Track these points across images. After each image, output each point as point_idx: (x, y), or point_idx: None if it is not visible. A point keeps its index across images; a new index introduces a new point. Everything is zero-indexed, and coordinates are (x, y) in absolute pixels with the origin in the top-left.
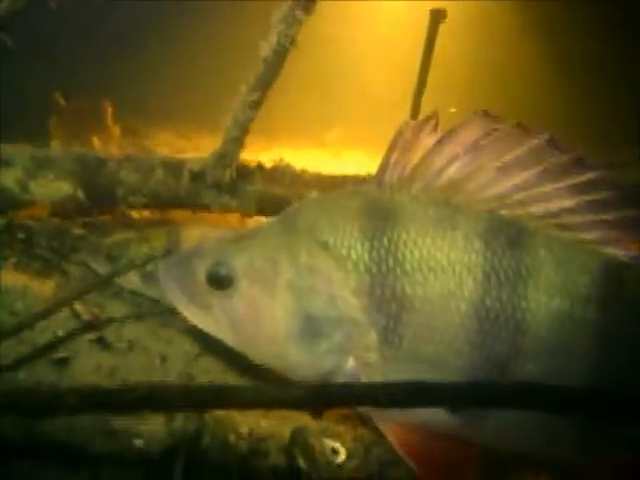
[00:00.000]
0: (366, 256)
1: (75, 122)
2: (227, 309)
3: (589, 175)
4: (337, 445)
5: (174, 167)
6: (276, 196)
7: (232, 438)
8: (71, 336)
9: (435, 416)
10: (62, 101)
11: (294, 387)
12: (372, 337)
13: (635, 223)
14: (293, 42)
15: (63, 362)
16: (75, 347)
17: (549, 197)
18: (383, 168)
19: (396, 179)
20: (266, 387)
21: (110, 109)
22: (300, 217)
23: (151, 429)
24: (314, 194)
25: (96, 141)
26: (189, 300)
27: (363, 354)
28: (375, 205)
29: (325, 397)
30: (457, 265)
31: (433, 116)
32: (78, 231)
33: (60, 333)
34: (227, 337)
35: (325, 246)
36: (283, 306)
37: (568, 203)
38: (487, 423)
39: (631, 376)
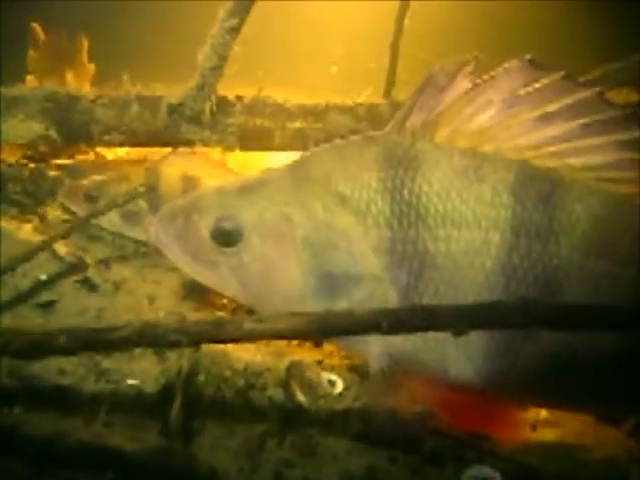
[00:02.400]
0: (387, 210)
1: (52, 56)
2: (236, 266)
3: (637, 132)
4: (334, 377)
5: (151, 102)
6: (258, 128)
7: (228, 374)
8: (55, 279)
9: (456, 370)
10: (40, 34)
11: (295, 316)
12: (393, 295)
13: None
14: None
15: (49, 305)
16: (60, 290)
17: (590, 150)
18: (406, 112)
19: (419, 124)
20: (267, 318)
21: (85, 45)
22: (313, 167)
23: (144, 368)
24: (297, 124)
25: (70, 77)
26: (192, 258)
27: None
28: (395, 153)
29: (327, 325)
30: (483, 220)
31: (472, 59)
32: (54, 173)
33: (43, 277)
34: (237, 295)
35: (342, 199)
36: (299, 263)
37: (611, 157)
38: (507, 375)
39: None
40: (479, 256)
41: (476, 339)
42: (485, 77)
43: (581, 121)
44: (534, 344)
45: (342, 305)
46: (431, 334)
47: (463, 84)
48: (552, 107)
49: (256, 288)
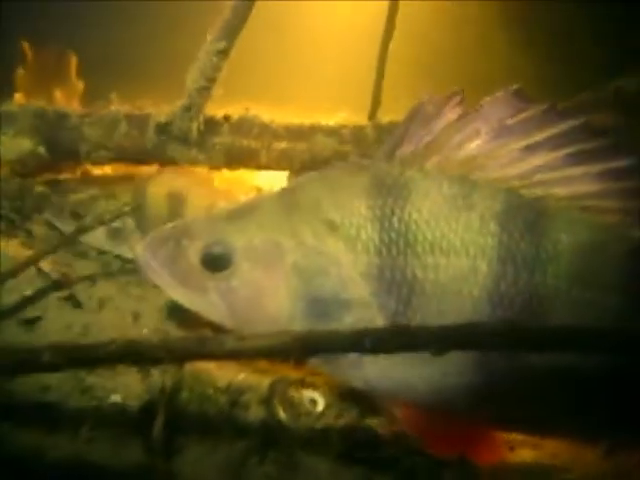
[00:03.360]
0: (376, 237)
1: (41, 74)
2: (225, 292)
3: (622, 162)
4: (315, 395)
5: (139, 121)
6: (245, 147)
7: (210, 391)
8: (40, 295)
9: (439, 397)
10: (30, 52)
11: (278, 335)
12: (381, 321)
13: None
14: None
15: (33, 321)
16: (45, 306)
17: (575, 180)
18: (395, 140)
19: (409, 153)
20: (250, 336)
21: (74, 62)
22: (303, 193)
23: (127, 384)
24: (283, 144)
25: (58, 95)
26: (181, 283)
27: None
28: (384, 181)
29: (310, 344)
30: (471, 248)
31: (459, 92)
32: (41, 190)
33: (29, 293)
34: (226, 320)
35: (332, 226)
36: (289, 289)
37: (595, 187)
38: (490, 403)
39: None
40: (466, 283)
41: (456, 364)
42: (472, 108)
43: (566, 150)
44: (512, 369)
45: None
46: (414, 359)
47: (451, 114)
48: (538, 137)
49: (245, 314)
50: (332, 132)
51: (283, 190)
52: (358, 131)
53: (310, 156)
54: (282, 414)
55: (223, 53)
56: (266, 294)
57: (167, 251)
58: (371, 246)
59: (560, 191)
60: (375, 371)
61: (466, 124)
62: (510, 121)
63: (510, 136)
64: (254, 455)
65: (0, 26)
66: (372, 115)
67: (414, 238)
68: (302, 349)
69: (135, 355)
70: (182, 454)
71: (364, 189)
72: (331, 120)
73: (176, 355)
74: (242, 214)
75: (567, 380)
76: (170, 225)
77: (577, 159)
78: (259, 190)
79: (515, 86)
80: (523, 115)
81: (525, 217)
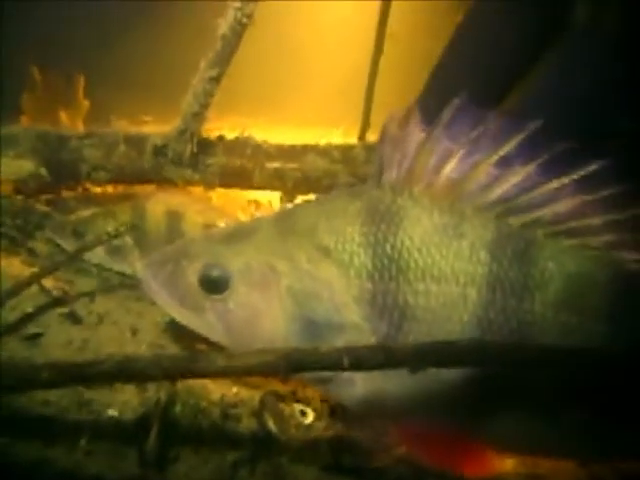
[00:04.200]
0: (369, 263)
1: (47, 96)
2: (222, 312)
3: (591, 167)
4: (305, 407)
5: (137, 142)
6: (238, 168)
7: (204, 404)
8: (42, 312)
9: (429, 414)
10: (37, 75)
11: (266, 352)
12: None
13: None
14: (250, 18)
15: (35, 338)
16: (46, 323)
17: (553, 198)
18: (378, 167)
19: (394, 179)
20: (239, 354)
21: (82, 83)
22: (299, 219)
23: (124, 399)
24: (275, 164)
25: (63, 116)
26: (180, 303)
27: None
28: (377, 208)
29: (295, 361)
30: (461, 276)
31: (414, 109)
32: (43, 208)
33: (30, 310)
34: (223, 340)
35: (326, 251)
36: (283, 311)
37: (573, 202)
38: (486, 422)
39: None
40: (456, 310)
41: (447, 383)
42: (433, 125)
43: (533, 165)
44: (502, 387)
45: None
46: (405, 379)
47: (416, 133)
48: (502, 152)
49: (242, 334)
50: (323, 152)
51: (279, 214)
52: (348, 151)
53: (302, 175)
54: (272, 426)
55: (215, 80)
56: (262, 316)
57: (167, 272)
58: (364, 272)
59: (542, 213)
60: (368, 390)
61: (435, 144)
62: (473, 134)
63: (479, 152)
64: (244, 466)
65: (7, 50)
66: (362, 135)
67: (406, 265)
68: (287, 366)
69: (128, 373)
70: (175, 466)
71: (358, 216)
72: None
73: (168, 373)
74: (239, 237)
75: (554, 404)
76: (170, 246)
77: (545, 173)
78: (257, 203)
79: (463, 94)
80: (481, 127)
81: (514, 246)
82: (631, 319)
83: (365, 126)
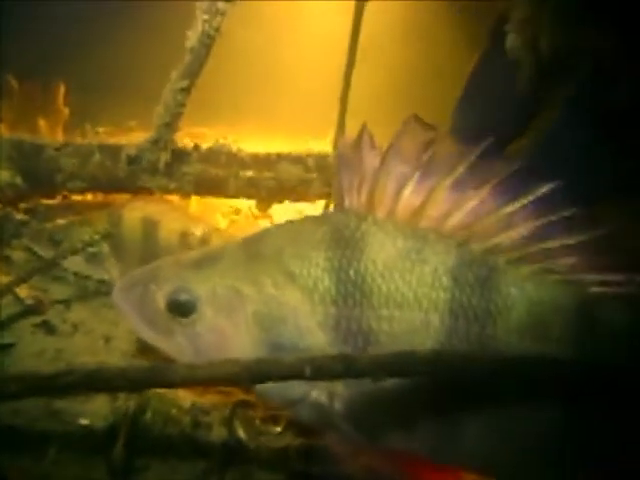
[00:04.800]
0: (333, 289)
1: (26, 105)
2: (190, 336)
3: (543, 188)
4: (276, 415)
5: (112, 151)
6: (213, 176)
7: (174, 412)
8: (15, 321)
9: (409, 444)
10: (14, 84)
11: (229, 362)
12: None
13: (604, 242)
14: (218, 31)
15: (7, 348)
16: (19, 332)
17: (511, 223)
18: (339, 194)
19: (356, 205)
20: (203, 364)
21: (61, 91)
22: (265, 244)
23: (95, 408)
24: (250, 173)
25: (42, 124)
26: (149, 326)
27: (329, 385)
28: (342, 234)
29: (258, 371)
30: (424, 301)
31: (364, 131)
32: (20, 216)
33: (4, 319)
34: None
35: (291, 276)
36: (249, 336)
37: (531, 227)
38: (460, 447)
39: (605, 417)
40: (419, 336)
41: (420, 411)
42: (386, 148)
43: (486, 189)
44: (474, 418)
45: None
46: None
47: (370, 159)
48: (456, 174)
49: (209, 358)
50: (297, 160)
51: (247, 239)
52: (322, 160)
53: (276, 184)
54: (242, 434)
55: (186, 91)
56: (228, 340)
57: (137, 295)
58: (328, 297)
59: (501, 239)
60: (341, 415)
61: (390, 168)
62: (426, 156)
63: (434, 175)
64: (213, 475)
65: None
66: (336, 144)
67: (369, 290)
68: (250, 376)
69: (94, 384)
70: (143, 474)
71: (323, 241)
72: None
73: (133, 384)
74: (208, 261)
75: (527, 432)
76: (141, 269)
77: (499, 196)
78: (237, 211)
79: (412, 114)
80: (433, 149)
81: (477, 272)
82: (593, 344)
83: (339, 135)
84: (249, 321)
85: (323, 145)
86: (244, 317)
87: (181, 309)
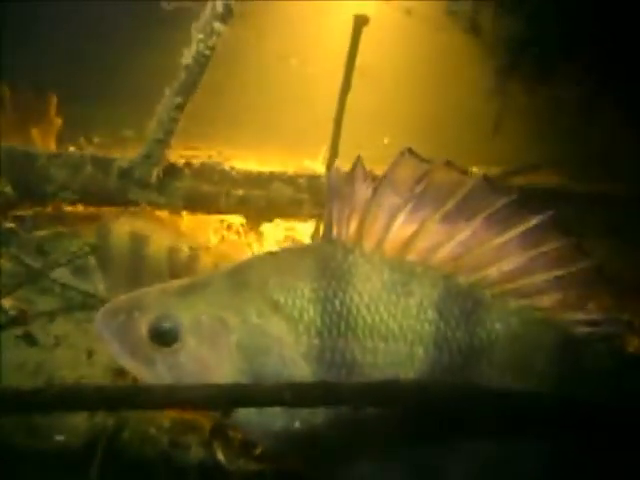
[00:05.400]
0: (318, 320)
1: (19, 114)
2: (171, 365)
3: (534, 222)
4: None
5: (103, 164)
6: (204, 193)
7: (153, 431)
8: None
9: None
10: (7, 93)
11: (208, 386)
12: None
13: (589, 275)
14: (212, 50)
15: None
16: (1, 344)
17: (500, 255)
18: (328, 224)
19: (344, 236)
20: (179, 386)
21: (54, 101)
22: (250, 273)
23: (73, 424)
24: (241, 191)
25: (35, 133)
26: (130, 354)
27: (310, 418)
28: (328, 265)
29: (237, 395)
30: (409, 334)
31: (359, 164)
32: (8, 225)
33: None
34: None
35: (276, 306)
36: (232, 365)
37: (519, 260)
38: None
39: (587, 454)
40: (403, 368)
41: (402, 450)
42: (379, 180)
43: (477, 221)
44: (456, 456)
45: (273, 411)
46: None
47: (362, 190)
48: (448, 206)
49: None
50: (289, 180)
51: (233, 268)
52: (314, 180)
53: (267, 203)
54: (221, 456)
55: (179, 108)
56: (211, 370)
57: (119, 322)
58: (312, 328)
59: (489, 272)
60: (322, 449)
61: (382, 201)
62: (419, 188)
63: (426, 208)
64: None
65: None
66: (330, 165)
67: (354, 322)
68: (228, 400)
69: (70, 402)
70: None
71: (309, 272)
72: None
73: (110, 404)
74: (192, 289)
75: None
76: (125, 296)
77: (489, 228)
78: (228, 227)
79: (407, 147)
80: (426, 181)
81: (461, 306)
82: (575, 383)
83: (333, 156)
84: (232, 351)
85: (316, 165)
86: (227, 347)
87: (163, 337)
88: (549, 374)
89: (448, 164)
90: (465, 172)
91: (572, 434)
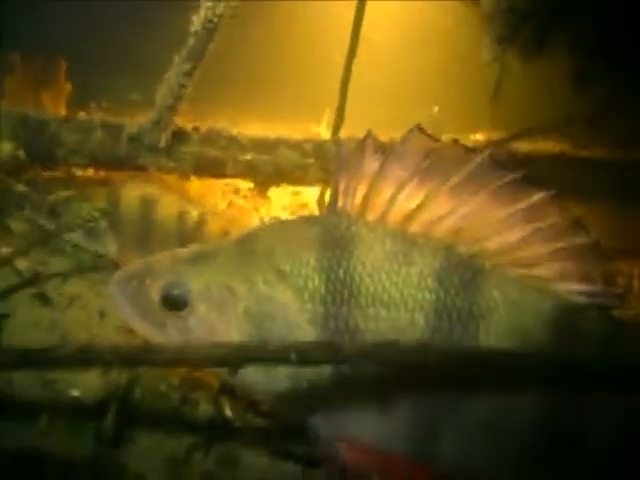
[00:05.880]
0: (322, 287)
1: (29, 80)
2: (181, 330)
3: (536, 198)
4: None
5: (113, 129)
6: (212, 158)
7: (164, 388)
8: (12, 292)
9: (390, 441)
10: (18, 59)
11: (218, 345)
12: None
13: (587, 251)
14: (220, 18)
15: (3, 318)
16: (16, 303)
17: (501, 228)
18: (334, 195)
19: (349, 207)
20: (190, 345)
21: (63, 67)
22: (258, 242)
23: (87, 380)
24: (248, 156)
25: (45, 99)
26: (142, 318)
27: (314, 378)
28: (332, 235)
29: (246, 353)
30: (410, 302)
31: (369, 136)
32: (21, 188)
33: (1, 290)
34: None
35: (282, 274)
36: (239, 331)
37: (519, 233)
38: (438, 448)
39: (582, 416)
40: (404, 335)
41: (402, 411)
42: (387, 155)
43: (481, 195)
44: (456, 421)
45: (279, 371)
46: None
47: (371, 163)
48: (454, 182)
49: None
50: (295, 146)
51: (242, 237)
52: (320, 146)
53: (274, 168)
54: (228, 412)
55: (188, 74)
56: (219, 335)
57: (132, 288)
58: (317, 295)
59: (490, 244)
60: (324, 409)
61: (389, 174)
62: (426, 164)
63: (431, 182)
64: (198, 451)
65: None
66: (335, 131)
67: (357, 290)
68: (238, 358)
69: (86, 359)
70: (130, 447)
71: (314, 241)
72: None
73: (124, 360)
74: (201, 258)
75: (509, 433)
76: (138, 262)
77: (493, 202)
78: (237, 191)
79: (417, 124)
80: (433, 157)
81: (461, 274)
82: (569, 347)
83: (338, 122)
84: (240, 317)
85: (321, 129)
86: (235, 313)
87: (174, 303)
88: (544, 341)
89: (456, 142)
90: (473, 150)
91: (563, 392)
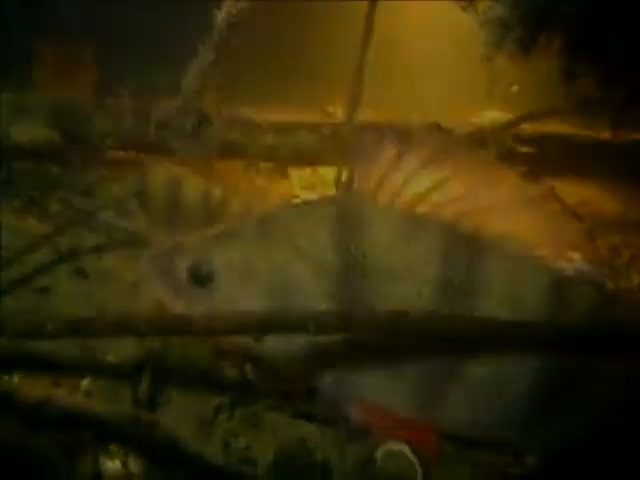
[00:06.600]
0: (336, 263)
1: (58, 69)
2: (207, 304)
3: (534, 190)
4: None
5: (143, 115)
6: (235, 142)
7: (193, 355)
8: (52, 267)
9: (395, 400)
10: (47, 49)
11: (242, 314)
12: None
13: (579, 235)
14: (242, 13)
15: (44, 290)
16: (55, 277)
17: (504, 215)
18: (350, 178)
19: (364, 190)
20: (219, 316)
21: (90, 55)
22: (277, 221)
23: (123, 347)
24: (269, 138)
25: (74, 85)
26: (172, 294)
27: (329, 346)
28: (345, 214)
29: (269, 322)
30: (417, 277)
31: (392, 129)
32: (56, 170)
33: (42, 264)
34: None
35: (300, 252)
36: (260, 305)
37: (517, 218)
38: (442, 410)
39: (574, 385)
40: (412, 306)
41: (409, 378)
42: (404, 146)
43: (486, 187)
44: (460, 382)
45: (297, 343)
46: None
47: (388, 152)
48: (462, 173)
49: None
50: (313, 129)
51: (261, 217)
52: (337, 129)
53: (293, 151)
54: (252, 377)
55: (213, 63)
56: (241, 309)
57: (162, 265)
58: (331, 271)
59: (493, 229)
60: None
61: (403, 163)
62: (438, 156)
63: (442, 173)
64: (225, 411)
65: (18, 24)
66: (350, 116)
67: (369, 266)
68: (261, 328)
69: (123, 329)
70: (165, 408)
71: (329, 221)
72: None
73: (158, 331)
74: (226, 237)
75: (505, 394)
76: (167, 241)
77: (498, 194)
78: (258, 172)
79: (434, 121)
80: (447, 151)
81: (464, 251)
82: (562, 319)
83: (353, 107)
84: (261, 292)
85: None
86: (256, 289)
87: (200, 279)
88: (539, 311)
89: (469, 140)
90: (483, 147)
91: (558, 358)
